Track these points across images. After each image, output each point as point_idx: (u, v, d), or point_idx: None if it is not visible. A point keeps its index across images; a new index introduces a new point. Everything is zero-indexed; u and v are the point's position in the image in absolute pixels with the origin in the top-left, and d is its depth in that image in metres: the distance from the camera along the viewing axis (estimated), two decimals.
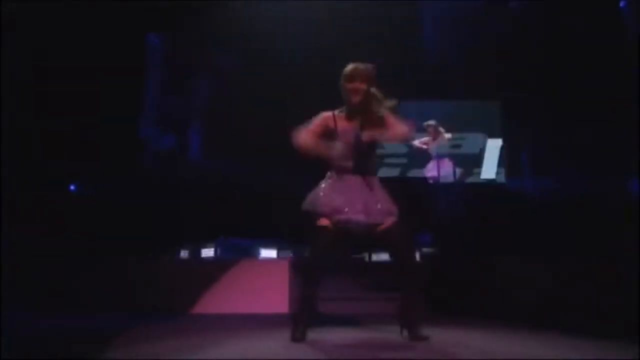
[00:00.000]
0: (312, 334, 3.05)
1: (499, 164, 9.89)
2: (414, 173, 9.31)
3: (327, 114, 3.09)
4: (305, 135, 3.07)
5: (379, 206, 2.91)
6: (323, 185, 3.06)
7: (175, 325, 3.69)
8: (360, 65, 3.02)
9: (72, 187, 6.82)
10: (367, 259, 6.94)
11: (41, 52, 6.73)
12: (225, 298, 4.36)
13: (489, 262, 5.14)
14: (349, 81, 3.03)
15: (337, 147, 3.01)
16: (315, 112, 10.07)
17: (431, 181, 8.35)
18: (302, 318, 2.89)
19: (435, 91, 10.21)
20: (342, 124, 3.07)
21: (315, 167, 9.45)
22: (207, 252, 6.65)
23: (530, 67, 9.33)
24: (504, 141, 10.34)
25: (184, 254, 6.71)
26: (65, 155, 6.65)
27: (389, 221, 2.91)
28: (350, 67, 3.07)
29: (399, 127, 2.98)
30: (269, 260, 5.17)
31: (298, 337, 2.83)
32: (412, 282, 3.01)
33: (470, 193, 7.79)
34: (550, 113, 9.08)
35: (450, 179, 8.16)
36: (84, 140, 7.05)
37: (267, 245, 6.99)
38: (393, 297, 4.35)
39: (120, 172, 7.84)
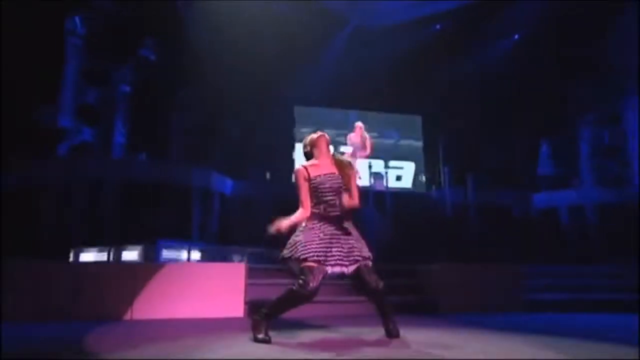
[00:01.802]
0: (292, 336, 3.08)
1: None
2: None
3: (302, 170, 3.15)
4: (304, 212, 3.11)
5: (358, 253, 3.05)
6: (308, 233, 3.04)
7: (134, 332, 3.46)
8: (318, 134, 3.29)
9: None
10: None
11: None
12: (175, 303, 4.17)
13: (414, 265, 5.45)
14: (315, 146, 3.26)
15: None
16: (240, 107, 9.85)
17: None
18: (269, 323, 2.94)
19: (359, 102, 10.65)
20: (316, 171, 3.15)
21: (239, 169, 9.20)
22: (129, 255, 6.26)
23: (450, 86, 10.16)
24: (424, 154, 11.16)
25: (99, 256, 6.30)
26: None
27: (367, 264, 3.05)
28: (309, 138, 3.31)
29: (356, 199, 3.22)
30: (224, 265, 5.02)
31: (267, 339, 2.86)
32: (381, 300, 3.16)
33: (398, 201, 8.20)
34: (466, 131, 9.92)
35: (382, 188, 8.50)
36: None
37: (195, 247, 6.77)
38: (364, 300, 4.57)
39: (34, 165, 7.13)
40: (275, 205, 8.63)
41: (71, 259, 6.11)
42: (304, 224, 3.11)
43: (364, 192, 8.15)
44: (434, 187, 10.05)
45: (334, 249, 2.99)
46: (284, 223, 3.01)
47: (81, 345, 2.85)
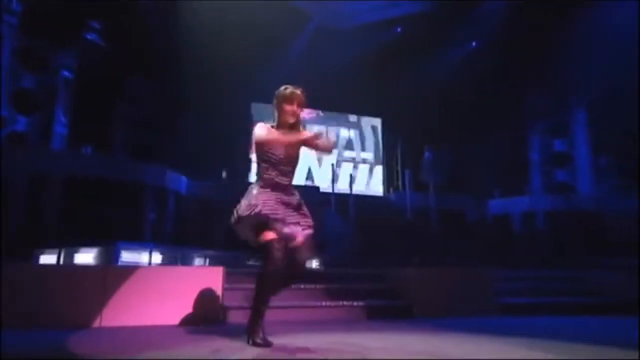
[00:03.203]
0: (283, 340, 3.10)
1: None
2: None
3: (263, 126, 3.15)
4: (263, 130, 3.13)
5: (306, 219, 3.14)
6: (260, 196, 3.02)
7: (115, 339, 3.30)
8: (298, 90, 3.18)
9: None
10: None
11: None
12: (147, 308, 4.01)
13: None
14: (288, 103, 3.16)
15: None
16: (194, 101, 9.63)
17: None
18: (261, 326, 2.93)
19: (318, 102, 10.79)
20: (274, 137, 3.16)
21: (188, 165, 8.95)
22: (83, 258, 5.96)
23: (410, 90, 10.53)
24: (383, 157, 11.45)
25: (46, 258, 5.94)
26: None
27: (309, 232, 3.13)
28: (289, 90, 3.19)
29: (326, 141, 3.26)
30: (200, 268, 4.89)
31: (267, 343, 2.86)
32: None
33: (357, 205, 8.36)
34: (425, 135, 10.31)
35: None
36: None
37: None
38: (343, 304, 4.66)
39: None
40: (233, 205, 8.56)
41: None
42: (254, 189, 3.10)
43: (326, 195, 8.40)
44: (391, 190, 10.36)
45: (289, 211, 3.05)
46: None
47: (62, 354, 2.70)
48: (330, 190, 8.57)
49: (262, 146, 3.13)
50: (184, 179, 8.29)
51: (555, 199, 9.06)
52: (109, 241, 5.53)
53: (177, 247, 6.94)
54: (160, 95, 9.37)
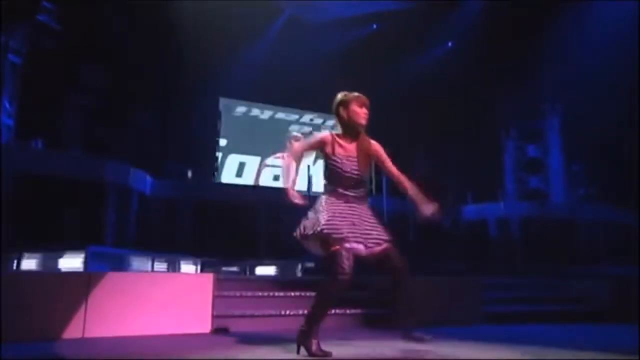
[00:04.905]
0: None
1: None
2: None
3: (327, 135, 3.25)
4: (297, 147, 3.23)
5: (374, 234, 3.16)
6: (325, 211, 3.08)
7: (106, 351, 3.21)
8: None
9: None
10: (246, 272, 7.02)
11: None
12: (134, 318, 3.92)
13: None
14: (360, 106, 3.28)
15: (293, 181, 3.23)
16: (156, 93, 9.45)
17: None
18: (318, 335, 2.95)
19: (288, 98, 10.86)
20: (340, 150, 3.21)
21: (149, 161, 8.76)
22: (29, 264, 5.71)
23: (385, 90, 10.75)
24: None
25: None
26: None
27: (383, 248, 3.17)
28: (359, 94, 3.32)
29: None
30: (189, 275, 4.82)
31: (324, 353, 2.87)
32: (407, 298, 3.40)
33: None
34: (400, 137, 10.56)
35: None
36: None
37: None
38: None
39: None
40: (199, 207, 8.43)
41: None
42: (323, 201, 3.16)
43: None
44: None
45: (355, 227, 3.07)
46: (291, 192, 3.15)
47: None
48: (305, 193, 8.59)
49: (330, 158, 3.20)
50: (148, 178, 8.10)
51: (530, 206, 9.53)
52: (83, 245, 5.36)
53: (144, 252, 6.80)
54: (119, 86, 9.14)
